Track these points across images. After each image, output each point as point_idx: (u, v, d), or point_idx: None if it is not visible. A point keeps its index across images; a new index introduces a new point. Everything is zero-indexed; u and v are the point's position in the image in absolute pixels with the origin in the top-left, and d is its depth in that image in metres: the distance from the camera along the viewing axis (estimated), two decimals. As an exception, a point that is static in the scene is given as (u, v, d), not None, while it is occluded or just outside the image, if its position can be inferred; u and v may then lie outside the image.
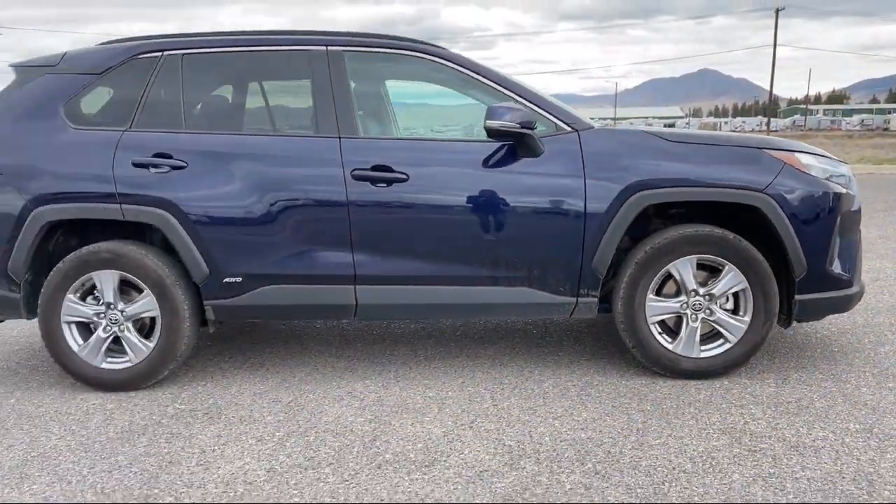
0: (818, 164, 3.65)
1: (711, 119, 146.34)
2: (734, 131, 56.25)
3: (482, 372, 3.85)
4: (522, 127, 3.43)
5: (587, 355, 4.08)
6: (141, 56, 3.78)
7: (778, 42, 47.98)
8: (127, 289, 3.68)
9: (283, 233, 3.60)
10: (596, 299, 3.64)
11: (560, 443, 2.97)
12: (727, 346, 3.62)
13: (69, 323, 3.68)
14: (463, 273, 3.62)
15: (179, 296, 3.64)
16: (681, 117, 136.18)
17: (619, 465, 2.76)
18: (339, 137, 3.61)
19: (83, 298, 3.69)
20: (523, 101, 3.63)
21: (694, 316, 3.60)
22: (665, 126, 38.56)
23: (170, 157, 3.60)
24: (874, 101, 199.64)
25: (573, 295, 3.63)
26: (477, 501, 2.52)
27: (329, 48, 3.73)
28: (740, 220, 3.67)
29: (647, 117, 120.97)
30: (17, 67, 3.88)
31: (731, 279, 3.55)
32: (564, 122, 3.64)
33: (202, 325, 3.80)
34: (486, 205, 3.56)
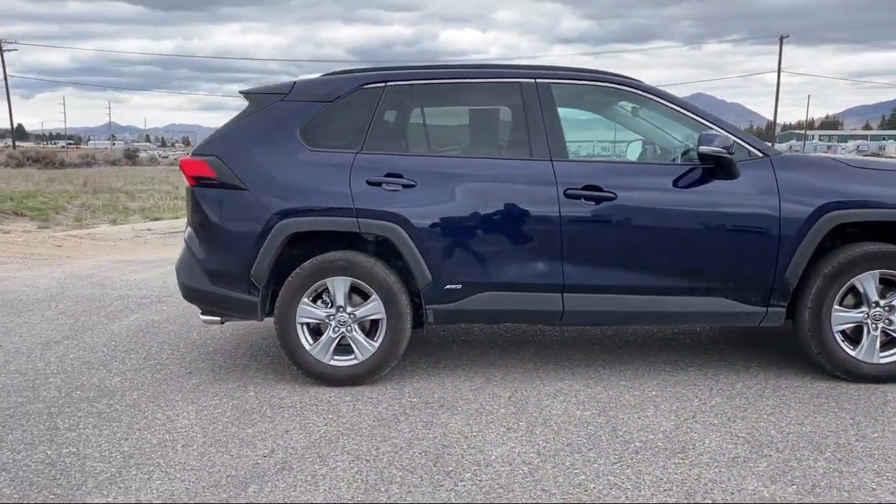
0: None
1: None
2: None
3: (670, 376, 4.21)
4: (728, 152, 3.83)
5: (760, 361, 4.44)
6: (367, 86, 4.20)
7: (772, 68, 47.83)
8: (351, 293, 4.09)
9: (500, 245, 4.00)
10: (784, 309, 4.01)
11: (788, 435, 3.33)
12: (905, 353, 3.98)
13: (303, 324, 4.08)
14: (663, 284, 4.00)
15: (403, 301, 4.04)
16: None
17: (856, 454, 3.12)
18: (552, 160, 4.01)
19: (314, 302, 4.10)
20: (720, 130, 4.02)
21: (874, 325, 3.96)
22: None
23: (400, 176, 4.01)
24: (867, 127, 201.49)
25: (764, 305, 3.99)
26: (745, 483, 2.89)
27: (537, 80, 4.14)
28: None
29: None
30: (250, 94, 4.31)
31: (909, 292, 3.93)
32: (757, 149, 4.03)
33: (415, 328, 4.19)
34: (687, 222, 3.94)
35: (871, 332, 3.97)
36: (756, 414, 3.59)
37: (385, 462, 3.12)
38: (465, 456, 3.16)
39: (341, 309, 4.06)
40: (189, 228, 4.30)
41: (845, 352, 3.99)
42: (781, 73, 54.32)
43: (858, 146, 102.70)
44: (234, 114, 4.37)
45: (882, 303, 3.95)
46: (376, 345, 4.07)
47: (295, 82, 4.29)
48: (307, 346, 4.09)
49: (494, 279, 4.03)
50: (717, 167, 3.94)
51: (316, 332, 4.14)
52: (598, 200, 3.95)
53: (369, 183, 4.02)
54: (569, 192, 3.95)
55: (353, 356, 4.10)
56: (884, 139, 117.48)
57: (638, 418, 3.57)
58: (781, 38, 51.00)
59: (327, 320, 4.08)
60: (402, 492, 2.86)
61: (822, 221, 3.88)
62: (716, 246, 3.96)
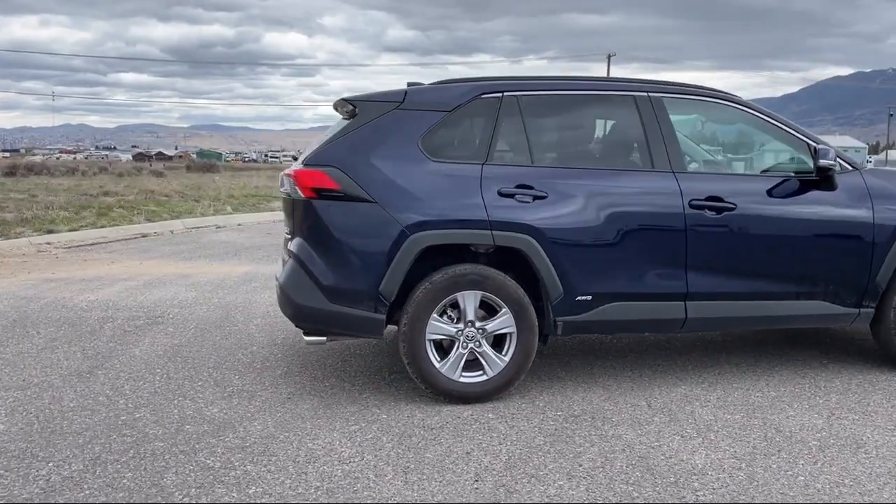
0: None
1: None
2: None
3: (771, 377, 4.46)
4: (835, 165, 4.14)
5: (855, 359, 4.80)
6: (484, 96, 4.10)
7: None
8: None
9: (628, 255, 4.05)
10: (873, 309, 4.37)
11: (930, 425, 3.64)
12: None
13: (431, 340, 3.91)
14: (773, 289, 4.23)
15: (533, 314, 3.98)
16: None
17: None
18: (674, 172, 4.13)
19: (440, 317, 3.95)
20: (815, 144, 4.32)
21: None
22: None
23: (531, 188, 3.96)
24: None
25: (857, 306, 4.33)
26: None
27: (650, 94, 4.25)
28: None
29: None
30: (357, 102, 4.06)
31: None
32: (847, 162, 4.37)
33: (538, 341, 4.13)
34: (797, 230, 4.21)
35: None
36: (886, 406, 3.90)
37: (603, 476, 3.06)
38: (673, 465, 3.18)
39: (471, 324, 3.94)
40: (300, 243, 3.97)
41: (922, 345, 4.43)
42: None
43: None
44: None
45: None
46: (506, 359, 3.97)
47: (406, 90, 4.12)
48: (437, 364, 3.92)
49: (622, 289, 4.07)
50: (821, 179, 4.24)
51: (438, 347, 3.99)
52: (720, 211, 4.11)
53: (501, 194, 3.93)
54: (693, 202, 4.08)
55: (480, 372, 3.98)
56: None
57: (786, 417, 3.75)
58: (609, 56, 54.16)
59: (457, 336, 3.94)
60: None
61: None
62: (821, 252, 4.24)
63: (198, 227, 13.95)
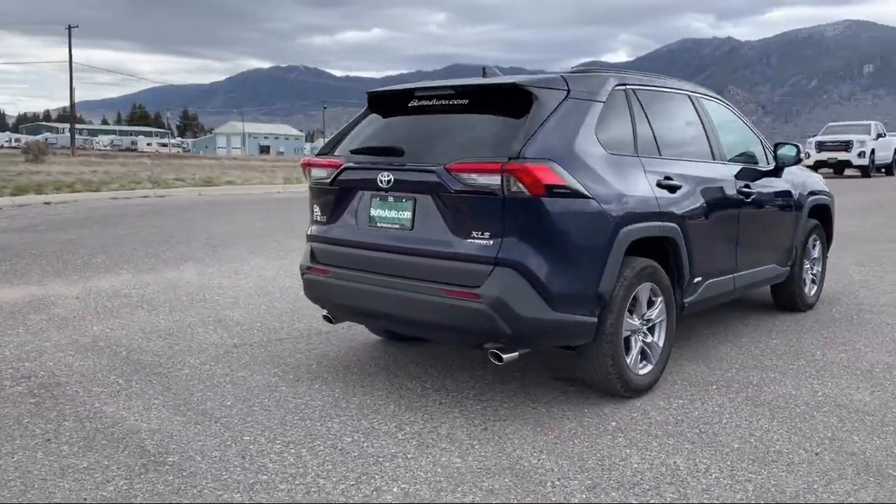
0: None
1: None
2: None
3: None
4: None
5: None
6: (619, 87, 4.13)
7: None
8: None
9: (716, 237, 4.63)
10: (790, 268, 5.63)
11: None
12: None
13: (624, 338, 3.84)
14: (763, 257, 5.30)
15: (673, 300, 4.19)
16: None
17: None
18: (725, 162, 4.91)
19: (629, 313, 3.88)
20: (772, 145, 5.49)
21: None
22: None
23: (671, 178, 4.14)
24: (105, 121, 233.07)
25: (786, 266, 5.59)
26: None
27: (695, 94, 4.95)
28: None
29: None
30: (535, 89, 3.69)
31: None
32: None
33: None
34: (774, 207, 5.37)
35: None
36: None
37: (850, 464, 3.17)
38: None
39: (643, 316, 3.98)
40: (519, 246, 3.44)
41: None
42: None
43: (112, 140, 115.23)
44: None
45: None
46: (661, 346, 4.10)
47: (564, 78, 3.89)
48: (629, 361, 3.86)
49: (712, 268, 4.59)
50: (776, 170, 5.40)
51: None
52: (748, 196, 4.84)
53: (659, 185, 4.04)
54: (740, 189, 4.82)
55: (646, 363, 4.02)
56: (133, 134, 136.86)
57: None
58: (70, 28, 50.38)
59: (640, 328, 3.96)
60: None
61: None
62: (781, 223, 5.48)
63: None
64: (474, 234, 3.51)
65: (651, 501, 2.81)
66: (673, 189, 4.12)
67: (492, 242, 3.46)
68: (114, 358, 4.56)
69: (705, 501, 2.83)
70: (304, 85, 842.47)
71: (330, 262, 4.10)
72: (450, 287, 3.53)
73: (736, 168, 4.96)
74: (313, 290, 4.24)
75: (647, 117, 4.26)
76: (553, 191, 3.44)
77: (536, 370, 4.36)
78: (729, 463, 3.16)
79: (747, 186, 4.88)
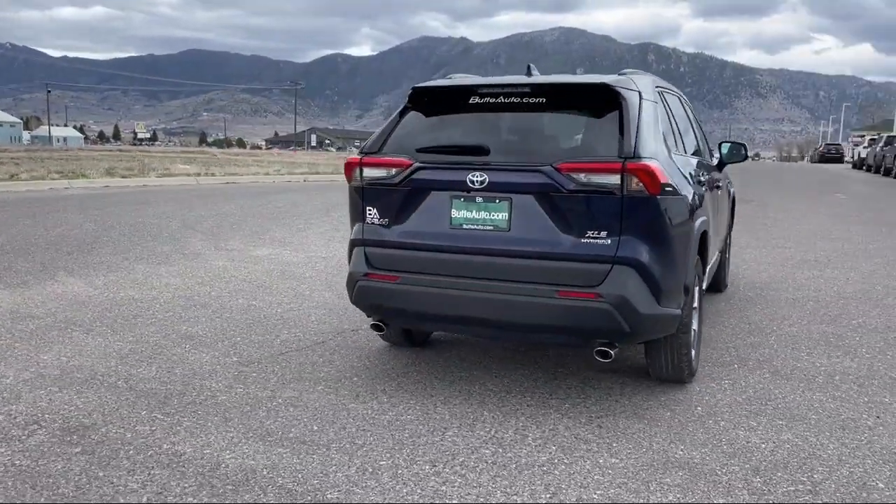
0: None
1: None
2: None
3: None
4: None
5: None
6: (657, 88, 4.36)
7: None
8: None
9: (720, 224, 5.21)
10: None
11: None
12: None
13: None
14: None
15: (702, 286, 4.52)
16: None
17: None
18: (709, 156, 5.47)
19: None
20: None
21: None
22: None
23: (695, 175, 4.42)
24: None
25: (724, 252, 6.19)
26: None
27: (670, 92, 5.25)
28: None
29: None
30: (622, 90, 3.74)
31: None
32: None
33: None
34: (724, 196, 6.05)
35: None
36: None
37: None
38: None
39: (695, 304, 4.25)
40: (636, 245, 3.48)
41: None
42: None
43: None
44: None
45: None
46: (697, 333, 4.39)
47: (629, 77, 3.98)
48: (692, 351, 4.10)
49: (715, 252, 5.10)
50: (719, 165, 5.85)
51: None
52: (713, 188, 5.18)
53: (692, 181, 4.29)
54: (713, 183, 5.23)
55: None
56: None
57: None
58: None
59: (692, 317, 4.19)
60: None
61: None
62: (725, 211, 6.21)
63: None
64: (589, 233, 3.49)
65: (815, 477, 3.04)
66: (700, 184, 4.42)
67: (609, 241, 3.48)
68: (113, 389, 3.90)
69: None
70: (12, 64, 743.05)
71: (399, 268, 3.84)
72: (562, 287, 3.49)
73: (715, 161, 5.51)
74: (371, 298, 3.93)
75: (671, 116, 4.51)
76: (665, 189, 3.54)
77: (574, 364, 4.46)
78: (828, 434, 3.49)
79: (717, 179, 5.41)
